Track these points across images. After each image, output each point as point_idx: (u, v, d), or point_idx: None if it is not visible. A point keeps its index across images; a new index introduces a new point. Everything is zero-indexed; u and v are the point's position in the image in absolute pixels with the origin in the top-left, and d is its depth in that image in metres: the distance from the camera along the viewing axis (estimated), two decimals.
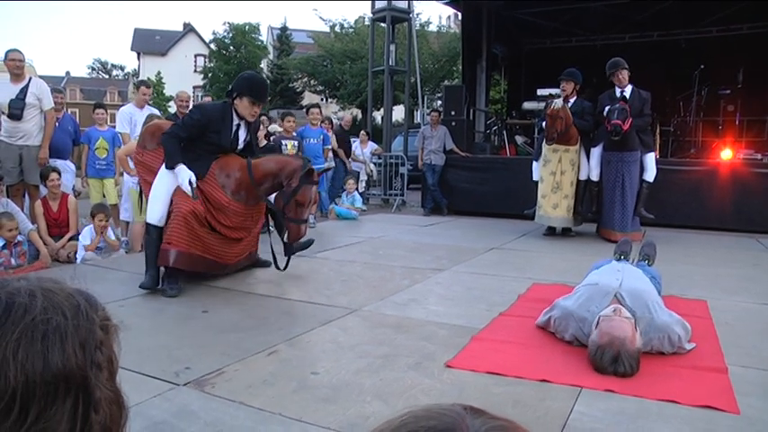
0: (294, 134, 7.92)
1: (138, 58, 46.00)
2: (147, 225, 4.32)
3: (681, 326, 2.96)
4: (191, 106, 6.57)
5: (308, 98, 29.64)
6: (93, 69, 61.21)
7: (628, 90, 6.57)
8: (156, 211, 4.24)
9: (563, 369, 2.72)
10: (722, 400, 2.38)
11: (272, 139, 7.92)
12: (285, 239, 4.69)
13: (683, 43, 10.81)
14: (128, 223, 6.71)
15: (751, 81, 10.22)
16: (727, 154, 8.70)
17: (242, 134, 4.48)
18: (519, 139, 11.48)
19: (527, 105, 11.14)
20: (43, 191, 6.34)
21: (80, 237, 5.97)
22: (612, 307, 2.85)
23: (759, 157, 8.73)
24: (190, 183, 4.12)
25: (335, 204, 9.14)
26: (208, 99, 9.35)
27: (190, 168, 4.16)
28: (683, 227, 7.59)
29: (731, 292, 4.30)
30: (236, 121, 4.38)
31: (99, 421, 0.68)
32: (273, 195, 4.63)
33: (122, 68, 61.64)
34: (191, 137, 4.25)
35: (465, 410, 0.57)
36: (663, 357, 2.86)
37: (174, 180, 4.23)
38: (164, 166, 4.29)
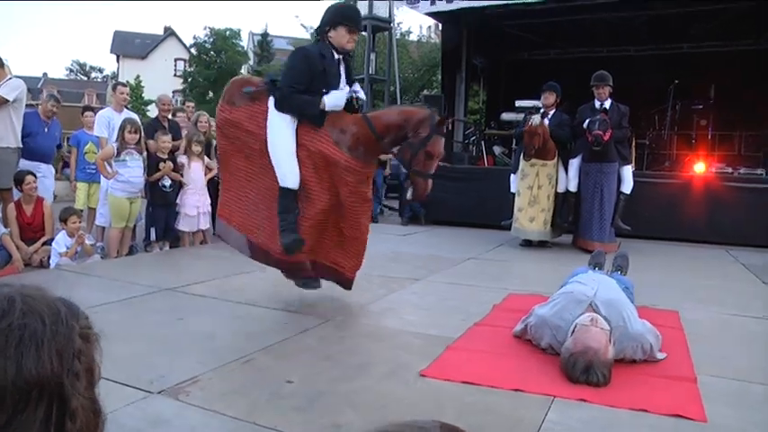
0: None
1: (118, 61, 45.48)
2: (283, 189, 3.90)
3: (653, 335, 3.01)
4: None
5: None
6: (71, 71, 60.41)
7: (607, 104, 6.73)
8: (289, 175, 3.87)
9: (536, 378, 2.76)
10: (691, 408, 2.43)
11: None
12: (409, 196, 4.47)
13: (659, 58, 11.01)
14: (104, 228, 6.61)
15: (722, 96, 10.47)
16: (700, 167, 8.88)
17: (343, 73, 4.09)
18: (497, 150, 11.56)
19: (505, 116, 11.23)
20: (16, 194, 6.17)
21: (54, 243, 5.85)
22: (590, 316, 2.87)
23: (730, 170, 8.91)
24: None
25: None
26: (191, 105, 9.26)
27: (300, 125, 3.89)
28: (657, 238, 7.70)
29: (702, 303, 4.38)
30: (335, 56, 4.00)
31: (75, 430, 0.68)
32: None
33: (101, 71, 60.74)
34: (305, 83, 3.84)
35: (440, 428, 0.58)
36: (634, 366, 2.91)
37: (291, 137, 3.88)
38: (275, 128, 3.91)
